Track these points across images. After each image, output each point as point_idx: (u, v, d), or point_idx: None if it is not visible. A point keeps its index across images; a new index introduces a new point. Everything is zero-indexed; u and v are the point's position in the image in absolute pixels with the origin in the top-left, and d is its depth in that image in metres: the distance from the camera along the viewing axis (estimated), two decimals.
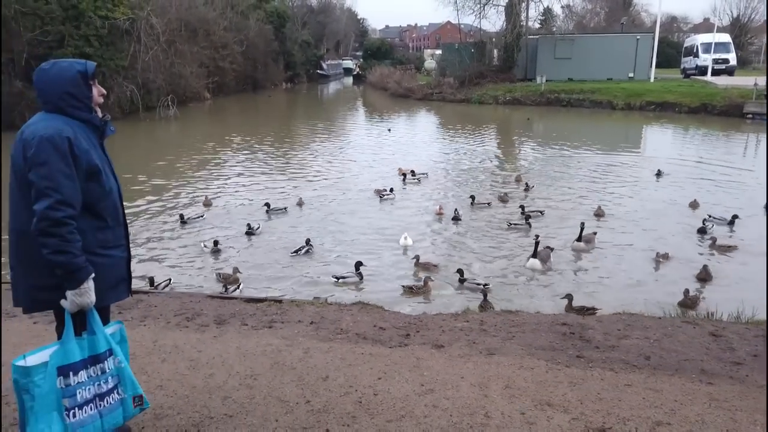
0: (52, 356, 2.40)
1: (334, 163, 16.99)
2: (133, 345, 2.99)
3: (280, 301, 5.38)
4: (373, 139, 22.57)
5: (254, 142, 21.29)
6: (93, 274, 2.48)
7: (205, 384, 3.55)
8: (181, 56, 33.19)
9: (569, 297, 6.57)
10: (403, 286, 7.39)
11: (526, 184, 13.06)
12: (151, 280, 7.23)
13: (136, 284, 4.80)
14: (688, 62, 43.04)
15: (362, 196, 12.67)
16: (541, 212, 10.87)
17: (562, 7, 63.72)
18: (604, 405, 3.31)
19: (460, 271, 7.68)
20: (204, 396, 3.40)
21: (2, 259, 7.68)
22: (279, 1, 59.76)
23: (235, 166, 16.67)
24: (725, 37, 41.79)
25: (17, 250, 2.55)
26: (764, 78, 25.51)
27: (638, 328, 4.56)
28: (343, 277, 7.68)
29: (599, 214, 10.72)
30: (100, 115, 2.67)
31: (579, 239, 8.87)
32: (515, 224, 10.17)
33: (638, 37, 37.47)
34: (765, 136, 20.54)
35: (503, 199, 11.93)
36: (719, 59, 38.80)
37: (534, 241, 8.34)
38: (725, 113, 25.88)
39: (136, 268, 7.27)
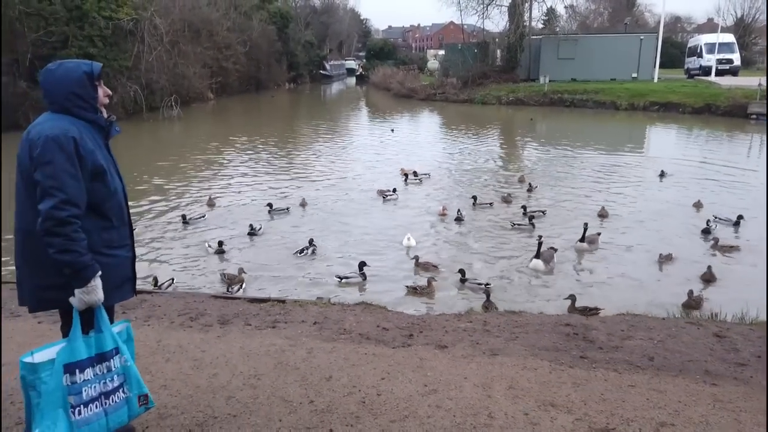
0: (59, 353, 2.41)
1: (337, 164, 16.99)
2: (137, 345, 3.00)
3: (283, 302, 5.39)
4: (376, 139, 22.57)
5: (257, 142, 21.32)
6: (100, 272, 2.49)
7: (209, 384, 3.56)
8: (185, 57, 33.26)
9: (572, 297, 6.56)
10: (407, 287, 7.39)
11: (530, 184, 13.04)
12: (155, 280, 7.26)
13: (139, 284, 4.80)
14: (691, 62, 42.90)
15: (365, 197, 12.67)
16: (542, 212, 10.85)
17: (565, 7, 63.73)
18: (607, 406, 3.31)
19: (461, 271, 7.68)
20: (208, 396, 3.41)
21: (1, 258, 7.75)
22: (282, 2, 59.84)
23: (239, 166, 16.69)
24: (729, 38, 41.61)
25: (23, 249, 2.57)
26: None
27: (642, 329, 4.55)
28: (347, 278, 7.68)
29: (603, 214, 10.70)
30: (105, 115, 2.68)
31: (582, 240, 8.86)
32: (518, 224, 10.16)
33: (642, 37, 37.37)
34: (765, 136, 20.50)
35: (506, 199, 11.91)
36: (723, 59, 38.65)
37: (537, 242, 8.33)
38: (729, 114, 25.80)
39: (140, 268, 7.30)
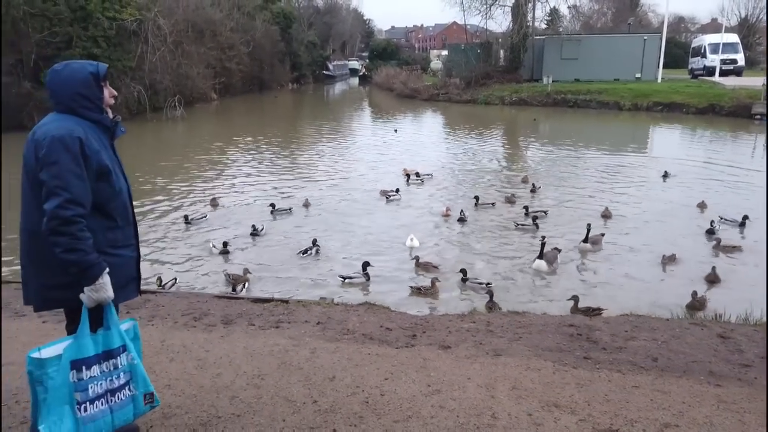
0: (66, 350, 2.43)
1: (340, 164, 17.01)
2: (141, 344, 3.02)
3: (286, 302, 5.39)
4: (379, 139, 22.58)
5: (261, 142, 21.35)
6: (107, 269, 2.50)
7: (213, 383, 3.56)
8: (188, 57, 33.34)
9: (575, 298, 6.55)
10: (411, 287, 7.39)
11: (533, 184, 13.03)
12: (160, 280, 7.28)
13: (143, 284, 4.82)
14: (695, 63, 42.81)
15: (368, 197, 12.68)
16: (544, 212, 10.84)
17: (568, 7, 63.58)
18: (611, 406, 3.30)
19: (463, 271, 7.68)
20: (212, 395, 3.41)
21: (1, 258, 7.78)
22: (285, 2, 59.94)
23: (242, 166, 16.72)
24: (733, 38, 41.51)
25: (29, 249, 2.58)
26: None
27: (646, 330, 4.54)
28: (350, 278, 7.69)
29: (606, 215, 10.68)
30: (110, 116, 2.70)
31: (585, 240, 8.84)
32: (522, 225, 10.15)
33: (645, 37, 37.29)
34: (765, 136, 20.43)
35: (510, 200, 11.90)
36: (727, 60, 38.56)
37: (540, 243, 8.32)
38: (733, 114, 25.73)
39: (143, 268, 7.31)
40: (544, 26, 51.46)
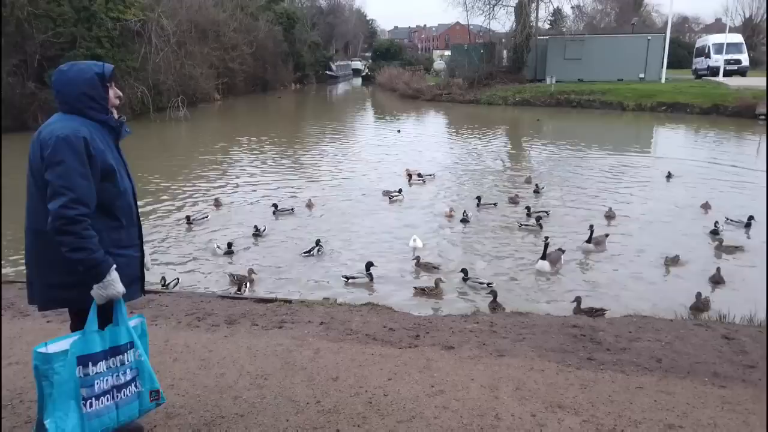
0: (73, 345, 2.44)
1: (343, 164, 17.01)
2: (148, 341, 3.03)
3: (290, 302, 5.40)
4: (382, 139, 22.58)
5: (264, 142, 21.38)
6: (114, 266, 2.51)
7: (216, 383, 3.57)
8: (192, 57, 33.43)
9: (578, 300, 6.54)
10: (415, 288, 7.39)
11: (536, 185, 13.01)
12: (163, 280, 7.30)
13: (147, 284, 4.83)
14: (699, 63, 42.66)
15: (371, 197, 12.67)
16: (546, 212, 10.82)
17: (572, 7, 63.32)
18: (615, 407, 3.30)
19: (464, 270, 7.67)
20: (215, 395, 3.42)
21: (1, 258, 7.81)
22: (288, 3, 60.00)
23: (246, 166, 16.73)
24: (737, 38, 41.35)
25: (34, 248, 2.59)
26: None
27: (649, 331, 4.53)
28: (353, 278, 7.68)
29: (610, 215, 10.66)
30: (116, 116, 2.71)
31: (589, 241, 8.82)
32: (525, 225, 10.14)
33: (649, 37, 37.20)
34: (765, 136, 20.36)
35: (514, 200, 11.89)
36: (731, 60, 38.43)
37: (543, 243, 8.30)
38: (737, 114, 25.64)
39: None
40: (547, 26, 51.30)
